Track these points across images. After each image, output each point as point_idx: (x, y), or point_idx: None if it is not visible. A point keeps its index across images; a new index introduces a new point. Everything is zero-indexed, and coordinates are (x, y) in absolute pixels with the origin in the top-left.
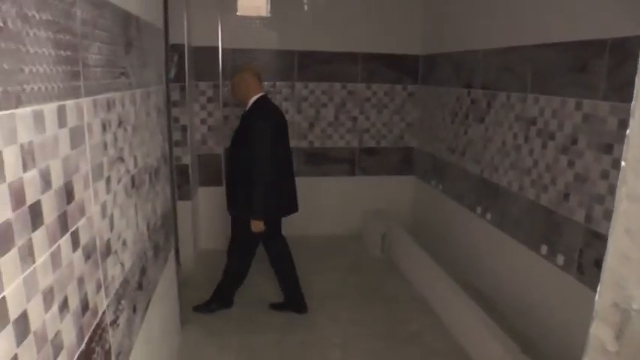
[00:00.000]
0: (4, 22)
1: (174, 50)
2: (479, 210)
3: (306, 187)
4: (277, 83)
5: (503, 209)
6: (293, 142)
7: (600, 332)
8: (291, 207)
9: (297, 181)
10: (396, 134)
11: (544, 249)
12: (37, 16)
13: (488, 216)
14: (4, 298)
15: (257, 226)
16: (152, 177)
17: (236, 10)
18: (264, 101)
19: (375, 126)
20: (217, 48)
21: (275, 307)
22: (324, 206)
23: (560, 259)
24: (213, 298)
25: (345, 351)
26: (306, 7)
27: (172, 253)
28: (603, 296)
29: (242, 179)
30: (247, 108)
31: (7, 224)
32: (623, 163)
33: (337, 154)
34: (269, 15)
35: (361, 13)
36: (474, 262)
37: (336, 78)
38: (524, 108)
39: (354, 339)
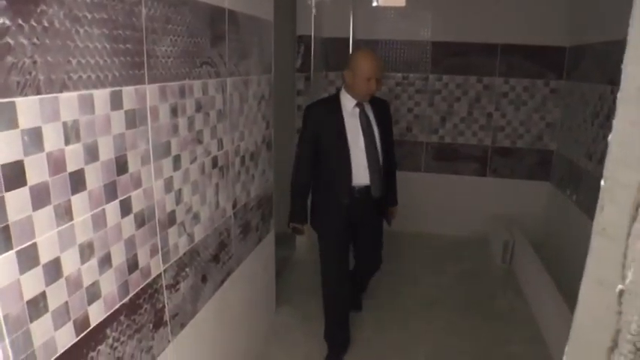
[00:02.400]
0: (51, 23)
1: (300, 41)
2: None
3: (433, 184)
4: (410, 75)
5: None
6: (422, 137)
7: None
8: None
9: (424, 177)
10: (534, 134)
11: None
12: (90, 16)
13: None
14: (34, 244)
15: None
16: (246, 160)
17: (372, 2)
18: None
19: (510, 124)
20: (348, 39)
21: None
22: (449, 206)
23: None
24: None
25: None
26: None
27: (271, 236)
28: None
29: (386, 172)
30: (366, 101)
31: (44, 185)
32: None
33: (468, 151)
34: (404, 5)
35: (501, 0)
36: None
37: (471, 71)
38: None
39: (445, 349)
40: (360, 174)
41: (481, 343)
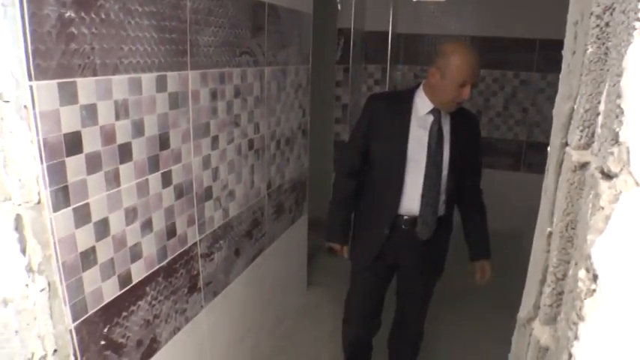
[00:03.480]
0: (107, 15)
1: (340, 34)
2: None
3: None
4: None
5: None
6: None
7: None
8: None
9: None
10: None
11: None
12: (140, 9)
13: None
14: (87, 204)
15: None
16: (281, 144)
17: None
18: None
19: (547, 120)
20: (387, 32)
21: None
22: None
23: None
24: None
25: (451, 348)
26: None
27: (304, 219)
28: None
29: (465, 211)
30: (450, 112)
31: (97, 154)
32: None
33: (503, 146)
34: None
35: None
36: None
37: (509, 66)
38: None
39: (469, 339)
40: (413, 202)
41: (506, 335)
